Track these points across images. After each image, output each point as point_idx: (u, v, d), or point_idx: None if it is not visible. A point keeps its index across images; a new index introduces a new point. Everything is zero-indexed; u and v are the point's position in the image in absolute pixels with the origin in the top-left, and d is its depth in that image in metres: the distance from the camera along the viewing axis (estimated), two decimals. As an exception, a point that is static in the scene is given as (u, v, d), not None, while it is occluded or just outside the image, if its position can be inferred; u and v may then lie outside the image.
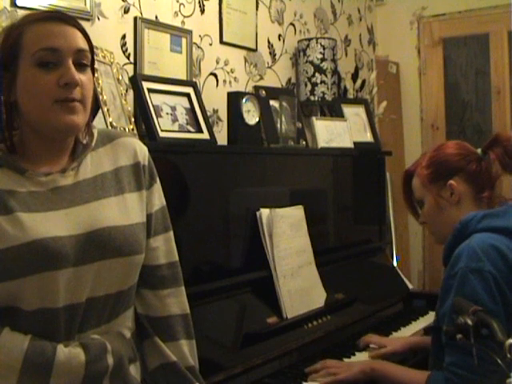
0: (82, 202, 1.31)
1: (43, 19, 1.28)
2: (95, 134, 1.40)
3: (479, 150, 1.89)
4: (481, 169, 1.85)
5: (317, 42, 3.18)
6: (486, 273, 1.60)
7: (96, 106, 1.72)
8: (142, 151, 1.46)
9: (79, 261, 1.26)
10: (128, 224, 1.35)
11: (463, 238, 1.72)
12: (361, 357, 2.21)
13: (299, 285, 2.33)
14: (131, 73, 2.35)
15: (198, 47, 2.70)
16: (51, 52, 1.26)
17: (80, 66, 1.29)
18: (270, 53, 3.15)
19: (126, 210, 1.36)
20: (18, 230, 1.22)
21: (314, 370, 2.02)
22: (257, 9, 3.04)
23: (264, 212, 2.29)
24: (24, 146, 1.32)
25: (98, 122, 1.85)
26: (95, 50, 1.50)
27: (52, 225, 1.25)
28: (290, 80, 3.29)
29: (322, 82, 3.18)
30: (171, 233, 1.50)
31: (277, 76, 3.20)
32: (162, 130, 2.14)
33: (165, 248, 1.47)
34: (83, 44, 1.31)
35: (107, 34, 2.22)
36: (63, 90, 1.26)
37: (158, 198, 1.47)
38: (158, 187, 1.48)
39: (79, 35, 1.31)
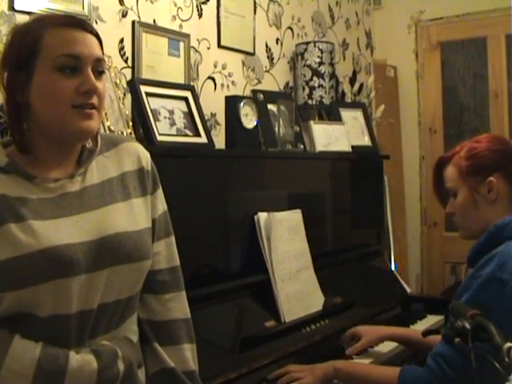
0: (91, 208, 1.32)
1: (65, 25, 1.29)
2: (99, 139, 1.40)
3: None
4: None
5: (315, 46, 3.18)
6: (509, 287, 1.55)
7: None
8: (145, 156, 1.47)
9: (91, 267, 1.26)
10: (136, 230, 1.36)
11: (496, 243, 1.67)
12: (359, 360, 2.21)
13: (297, 288, 2.33)
14: (129, 77, 2.35)
15: (196, 51, 2.70)
16: (73, 59, 1.26)
17: (97, 74, 1.30)
18: (268, 56, 3.15)
19: (133, 216, 1.37)
20: (30, 238, 1.22)
21: (278, 376, 1.98)
22: (254, 13, 3.04)
23: (262, 216, 2.29)
24: (33, 148, 1.31)
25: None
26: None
27: (63, 232, 1.25)
28: (287, 84, 3.29)
29: (320, 85, 3.18)
30: (173, 238, 1.51)
31: (275, 80, 3.20)
32: (159, 134, 2.14)
33: (166, 253, 1.48)
34: (100, 53, 1.33)
35: (105, 37, 2.18)
36: (81, 97, 1.27)
37: (161, 203, 1.49)
38: (160, 192, 1.49)
39: (97, 43, 1.33)
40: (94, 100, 1.29)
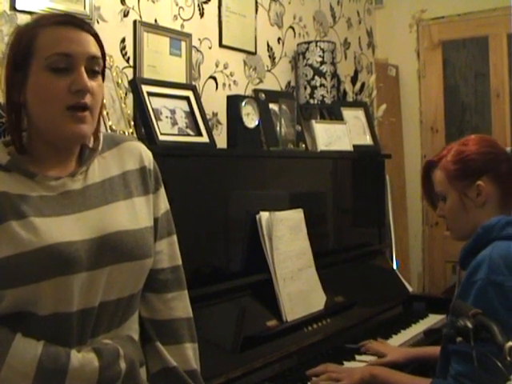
0: (93, 207, 1.32)
1: (58, 23, 1.28)
2: (101, 139, 1.40)
3: (508, 149, 1.81)
4: (509, 170, 1.78)
5: (316, 45, 3.18)
6: (506, 288, 1.56)
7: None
8: (147, 155, 1.47)
9: (92, 265, 1.26)
10: (138, 228, 1.36)
11: (484, 244, 1.67)
12: (361, 360, 2.21)
13: (299, 288, 2.33)
14: (131, 76, 2.36)
15: (198, 50, 2.70)
16: (64, 57, 1.26)
17: (92, 73, 1.30)
18: (270, 56, 3.15)
19: (135, 214, 1.37)
20: (31, 235, 1.22)
21: (315, 373, 2.02)
22: (256, 12, 3.04)
23: (264, 215, 2.29)
24: (32, 148, 1.32)
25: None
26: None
27: (65, 229, 1.25)
28: (289, 83, 3.29)
29: (322, 85, 3.18)
30: (175, 237, 1.51)
31: (276, 79, 3.20)
32: (161, 134, 2.15)
33: (168, 252, 1.48)
34: (96, 51, 1.31)
35: (107, 37, 2.21)
36: (74, 97, 1.26)
37: (163, 202, 1.49)
38: (162, 191, 1.49)
39: (93, 41, 1.31)
40: (87, 99, 1.28)
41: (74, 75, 1.27)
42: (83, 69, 1.28)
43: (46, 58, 1.25)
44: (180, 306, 1.47)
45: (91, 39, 1.31)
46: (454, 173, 1.80)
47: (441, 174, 1.84)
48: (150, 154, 1.48)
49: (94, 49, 1.31)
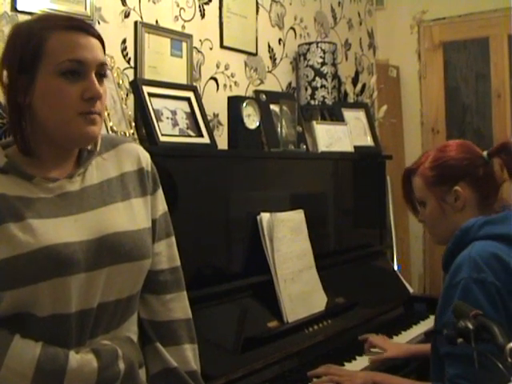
0: (91, 208, 1.32)
1: (67, 28, 1.28)
2: (99, 140, 1.40)
3: (485, 153, 1.84)
4: (486, 174, 1.80)
5: (317, 46, 3.18)
6: (488, 284, 1.58)
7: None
8: (145, 157, 1.48)
9: (90, 266, 1.26)
10: (136, 229, 1.36)
11: (463, 246, 1.70)
12: (361, 361, 2.21)
13: (300, 289, 2.33)
14: (132, 77, 2.36)
15: (199, 51, 2.70)
16: (76, 64, 1.26)
17: (99, 78, 1.31)
18: (271, 57, 3.15)
19: (133, 216, 1.38)
20: (29, 237, 1.22)
21: (316, 375, 2.01)
22: (257, 13, 3.04)
23: (264, 216, 2.29)
24: (32, 149, 1.31)
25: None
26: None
27: (63, 231, 1.26)
28: (290, 84, 3.29)
29: (323, 86, 3.18)
30: (173, 238, 1.51)
31: (277, 80, 3.20)
32: (162, 135, 2.15)
33: (167, 253, 1.48)
34: (103, 57, 1.33)
35: (107, 38, 2.20)
36: (86, 104, 1.27)
37: (161, 204, 1.49)
38: (160, 193, 1.49)
39: (100, 46, 1.32)
40: (98, 107, 1.29)
41: (86, 82, 1.27)
42: (94, 75, 1.28)
43: (58, 64, 1.25)
44: (179, 307, 1.48)
45: (99, 44, 1.32)
46: (432, 179, 1.83)
47: (419, 180, 1.87)
48: (147, 155, 1.49)
49: (102, 55, 1.32)
